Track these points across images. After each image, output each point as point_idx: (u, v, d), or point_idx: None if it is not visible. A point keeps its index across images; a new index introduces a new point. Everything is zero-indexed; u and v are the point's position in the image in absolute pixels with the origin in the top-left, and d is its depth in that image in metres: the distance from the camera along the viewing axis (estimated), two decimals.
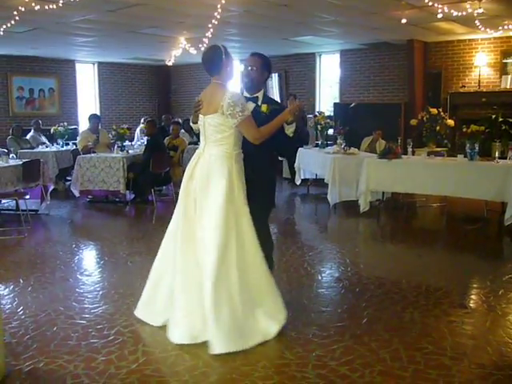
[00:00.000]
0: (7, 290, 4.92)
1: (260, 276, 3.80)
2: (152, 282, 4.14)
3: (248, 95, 4.07)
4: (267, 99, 4.14)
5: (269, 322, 3.78)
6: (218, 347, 3.52)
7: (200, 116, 3.92)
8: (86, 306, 4.47)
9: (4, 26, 8.81)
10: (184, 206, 3.91)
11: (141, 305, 4.17)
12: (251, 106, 3.97)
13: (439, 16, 8.48)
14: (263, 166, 4.07)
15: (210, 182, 3.77)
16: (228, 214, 3.69)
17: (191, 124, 4.17)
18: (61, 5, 7.41)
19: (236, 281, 3.66)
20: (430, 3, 7.74)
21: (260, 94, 4.10)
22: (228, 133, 3.78)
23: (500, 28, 10.00)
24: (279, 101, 12.72)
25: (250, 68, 4.06)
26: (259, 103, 4.04)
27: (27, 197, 7.88)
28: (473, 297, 4.77)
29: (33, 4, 7.55)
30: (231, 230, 3.70)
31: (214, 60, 3.84)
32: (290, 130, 3.93)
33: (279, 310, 3.86)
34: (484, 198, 7.55)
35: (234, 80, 4.04)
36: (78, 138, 10.62)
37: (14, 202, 8.14)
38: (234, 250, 3.69)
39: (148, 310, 4.11)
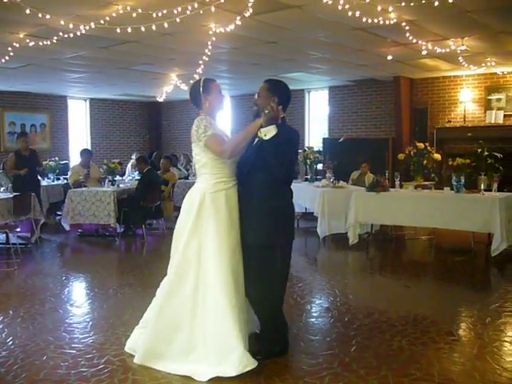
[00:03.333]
0: None
1: (216, 319, 3.64)
2: None
3: None
4: (280, 126, 3.72)
5: (200, 365, 3.65)
6: (136, 357, 3.85)
7: None
8: (76, 336, 4.46)
9: None
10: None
11: None
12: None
13: (424, 53, 8.74)
14: (255, 193, 3.81)
15: (188, 211, 3.88)
16: (189, 245, 3.77)
17: None
18: (55, 41, 7.58)
19: (186, 313, 3.73)
20: (414, 40, 7.98)
21: None
22: (203, 161, 3.85)
23: (483, 65, 10.29)
24: None
25: (256, 95, 4.02)
26: None
27: (18, 230, 7.89)
28: (460, 325, 4.82)
29: (27, 40, 7.72)
30: (190, 262, 3.76)
31: (193, 94, 3.98)
32: (263, 133, 3.63)
33: (223, 358, 3.59)
34: (471, 230, 7.65)
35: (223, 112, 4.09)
36: (69, 173, 10.66)
37: (4, 235, 8.16)
38: (189, 282, 3.74)
39: None
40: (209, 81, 3.98)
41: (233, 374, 3.51)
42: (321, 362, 3.86)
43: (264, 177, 3.77)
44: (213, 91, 3.94)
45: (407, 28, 7.28)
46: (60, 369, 3.79)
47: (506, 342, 4.27)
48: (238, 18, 6.46)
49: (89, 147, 15.24)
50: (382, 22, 6.88)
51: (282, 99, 3.89)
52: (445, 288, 6.18)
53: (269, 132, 3.63)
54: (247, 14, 6.27)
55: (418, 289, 6.16)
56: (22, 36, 7.63)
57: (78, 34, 7.01)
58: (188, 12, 6.17)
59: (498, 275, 6.99)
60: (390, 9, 6.52)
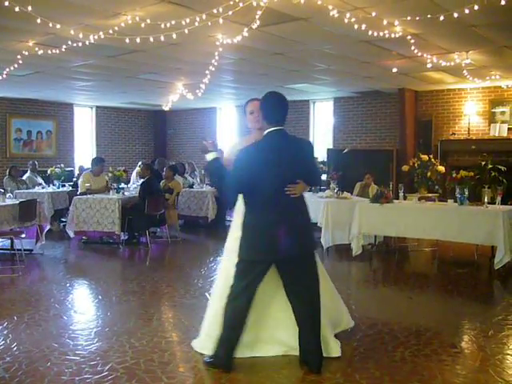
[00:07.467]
0: (1, 327, 4.92)
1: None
2: None
3: None
4: (242, 151, 4.00)
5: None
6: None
7: None
8: (80, 343, 4.49)
9: (7, 69, 9.05)
10: None
11: None
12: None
13: (428, 66, 8.81)
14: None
15: None
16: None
17: None
18: (63, 50, 7.66)
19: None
20: (420, 53, 8.05)
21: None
22: None
23: (487, 78, 10.34)
24: None
25: None
26: None
27: (23, 236, 7.93)
28: (463, 337, 4.82)
29: (36, 49, 7.80)
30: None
31: None
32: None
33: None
34: (474, 242, 7.66)
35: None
36: (80, 179, 10.54)
37: (9, 241, 8.20)
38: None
39: None
40: (247, 102, 4.28)
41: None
42: (323, 372, 3.87)
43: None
44: (246, 112, 4.26)
45: (412, 41, 7.35)
46: (64, 375, 3.81)
47: (509, 354, 4.28)
48: (246, 29, 6.53)
49: (94, 154, 15.31)
50: (387, 35, 6.95)
51: (265, 112, 4.04)
52: (448, 300, 6.18)
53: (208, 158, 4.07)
54: (254, 26, 6.34)
55: (420, 300, 6.17)
56: (31, 44, 7.72)
57: (87, 43, 7.09)
58: (196, 23, 6.23)
59: (501, 288, 7.00)
60: (396, 22, 6.59)
